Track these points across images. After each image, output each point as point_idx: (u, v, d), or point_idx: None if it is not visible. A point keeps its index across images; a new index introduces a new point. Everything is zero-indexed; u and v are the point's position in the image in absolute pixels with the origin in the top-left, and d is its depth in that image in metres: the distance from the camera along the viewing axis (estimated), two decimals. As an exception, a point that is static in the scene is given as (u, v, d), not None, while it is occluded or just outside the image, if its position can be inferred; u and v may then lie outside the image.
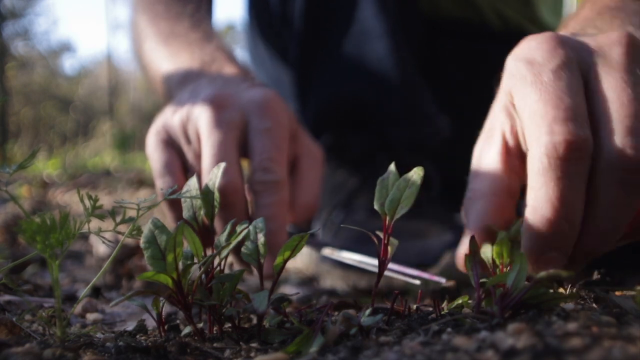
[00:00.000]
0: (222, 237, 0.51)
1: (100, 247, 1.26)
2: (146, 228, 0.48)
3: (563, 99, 0.49)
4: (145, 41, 0.94)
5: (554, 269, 0.44)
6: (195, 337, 0.50)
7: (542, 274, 0.42)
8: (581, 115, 0.49)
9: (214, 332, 0.51)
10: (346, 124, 1.01)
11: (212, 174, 0.55)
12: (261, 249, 0.52)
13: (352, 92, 0.99)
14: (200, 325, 0.52)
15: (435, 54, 1.12)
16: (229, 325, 0.51)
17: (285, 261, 0.50)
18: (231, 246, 0.49)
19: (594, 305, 0.49)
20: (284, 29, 1.06)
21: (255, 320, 0.55)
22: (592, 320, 0.40)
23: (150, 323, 0.57)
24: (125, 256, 1.03)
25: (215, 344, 0.48)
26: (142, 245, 0.47)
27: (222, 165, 0.55)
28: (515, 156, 0.57)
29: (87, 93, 12.75)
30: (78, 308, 0.70)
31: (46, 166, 5.22)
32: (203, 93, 0.71)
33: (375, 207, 0.51)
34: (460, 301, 0.53)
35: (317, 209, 0.76)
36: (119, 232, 0.51)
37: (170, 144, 0.71)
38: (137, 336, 0.53)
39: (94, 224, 0.51)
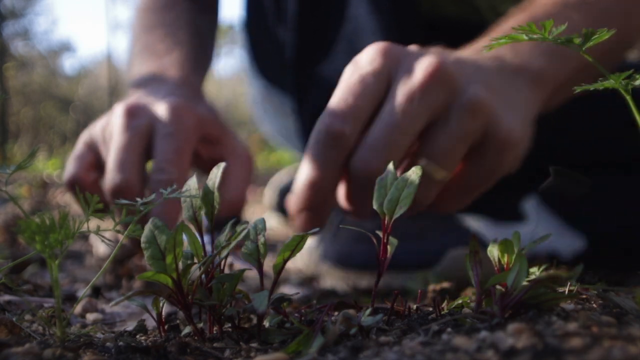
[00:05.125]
0: (221, 237, 0.51)
1: (100, 247, 1.26)
2: (146, 228, 0.48)
3: (351, 98, 0.61)
4: (131, 51, 1.01)
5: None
6: (195, 337, 0.50)
7: (542, 274, 0.42)
8: (357, 116, 0.61)
9: (214, 332, 0.51)
10: None
11: (212, 173, 0.54)
12: (261, 249, 0.52)
13: None
14: (201, 325, 0.52)
15: None
16: (229, 325, 0.51)
17: (285, 261, 0.50)
18: (231, 246, 0.49)
19: (594, 305, 0.49)
20: (279, 28, 1.07)
21: (255, 320, 0.55)
22: (592, 320, 0.40)
23: (150, 323, 0.57)
24: (125, 256, 1.03)
25: (215, 344, 0.48)
26: (142, 245, 0.47)
27: (222, 165, 0.55)
28: None
29: (87, 93, 12.74)
30: (78, 308, 0.70)
31: (46, 166, 5.22)
32: (122, 103, 0.80)
33: (374, 207, 0.51)
34: (460, 301, 0.53)
35: (242, 206, 0.84)
36: (119, 231, 0.51)
37: (90, 145, 0.80)
38: (137, 336, 0.53)
39: (94, 223, 0.51)
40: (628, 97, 0.46)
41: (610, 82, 0.46)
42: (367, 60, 0.64)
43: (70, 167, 0.79)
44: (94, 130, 0.80)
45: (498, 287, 0.46)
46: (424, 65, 0.62)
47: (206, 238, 0.67)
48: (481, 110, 0.63)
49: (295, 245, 0.50)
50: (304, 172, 0.64)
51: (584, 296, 0.51)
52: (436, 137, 0.63)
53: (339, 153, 0.62)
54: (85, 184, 0.77)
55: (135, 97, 0.84)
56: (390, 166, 0.52)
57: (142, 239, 0.48)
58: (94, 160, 0.80)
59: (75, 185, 0.77)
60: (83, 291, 0.52)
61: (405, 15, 1.01)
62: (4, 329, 0.52)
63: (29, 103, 10.64)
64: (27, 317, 0.60)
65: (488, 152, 0.66)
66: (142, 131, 0.76)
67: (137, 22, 1.03)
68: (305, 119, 1.03)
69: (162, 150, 0.74)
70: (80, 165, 0.78)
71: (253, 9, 1.16)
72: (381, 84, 0.63)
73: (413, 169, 0.51)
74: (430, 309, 0.53)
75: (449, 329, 0.43)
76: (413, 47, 0.67)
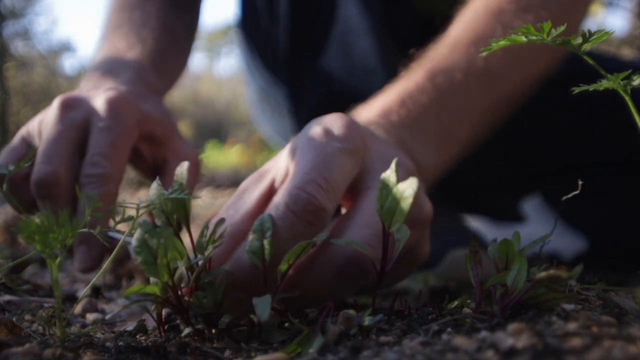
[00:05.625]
0: (202, 238, 0.50)
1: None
2: (137, 232, 0.47)
3: (332, 175, 0.54)
4: (96, 49, 0.96)
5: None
6: (195, 337, 0.50)
7: (542, 274, 0.42)
8: (337, 196, 0.55)
9: (213, 332, 0.51)
10: None
11: (177, 174, 0.53)
12: (266, 248, 0.51)
13: (342, 91, 0.99)
14: (200, 325, 0.52)
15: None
16: (228, 326, 0.51)
17: (290, 266, 0.50)
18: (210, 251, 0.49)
19: (594, 305, 0.49)
20: (273, 30, 1.07)
21: (255, 320, 0.55)
22: (592, 320, 0.40)
23: (150, 323, 0.57)
24: (125, 256, 1.03)
25: (215, 344, 0.48)
26: (134, 250, 0.47)
27: (186, 164, 0.54)
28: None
29: (87, 93, 12.67)
30: (78, 308, 0.70)
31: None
32: (60, 96, 0.76)
33: (376, 208, 0.50)
34: (460, 301, 0.53)
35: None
36: (119, 231, 0.51)
37: (25, 139, 0.76)
38: (137, 336, 0.53)
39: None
40: (627, 98, 0.46)
41: (608, 83, 0.46)
42: (340, 134, 0.58)
43: (1, 160, 0.74)
44: (32, 123, 0.77)
45: (498, 287, 0.47)
46: (402, 169, 0.58)
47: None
48: (427, 226, 0.62)
49: (301, 252, 0.49)
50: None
51: (584, 296, 0.51)
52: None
53: (314, 231, 0.53)
54: (16, 178, 0.72)
55: (77, 90, 0.81)
56: (393, 165, 0.52)
57: (134, 244, 0.47)
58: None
59: (4, 180, 0.71)
60: (83, 291, 0.52)
61: (396, 14, 1.01)
62: (4, 329, 0.52)
63: (29, 103, 10.62)
64: (27, 317, 0.60)
65: (404, 262, 0.61)
66: (76, 124, 0.72)
67: (106, 20, 1.00)
68: (301, 119, 1.03)
69: (96, 144, 0.70)
70: (12, 158, 0.74)
71: (247, 9, 1.16)
72: (357, 168, 0.58)
73: (410, 179, 0.50)
74: (430, 309, 0.53)
75: (449, 329, 0.43)
76: (368, 124, 0.65)
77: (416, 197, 0.59)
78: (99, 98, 0.74)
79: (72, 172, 0.70)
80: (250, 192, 0.59)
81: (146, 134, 0.77)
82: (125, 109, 0.74)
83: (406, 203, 0.49)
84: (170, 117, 0.81)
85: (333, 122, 0.60)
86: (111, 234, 0.66)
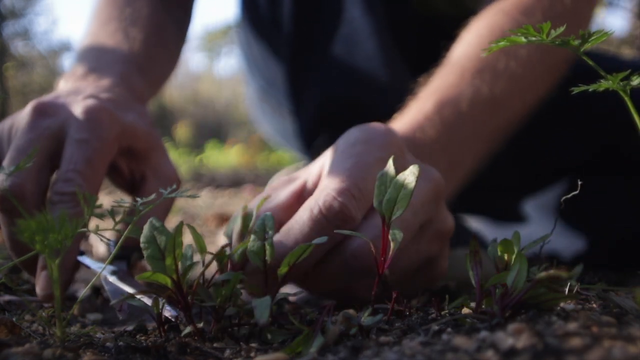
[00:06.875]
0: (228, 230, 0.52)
1: (100, 247, 1.26)
2: (145, 228, 0.48)
3: (367, 184, 0.57)
4: (81, 46, 0.91)
5: (555, 271, 0.44)
6: (195, 337, 0.50)
7: (542, 274, 0.42)
8: (367, 205, 0.57)
9: (214, 331, 0.51)
10: (340, 124, 1.01)
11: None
12: (268, 249, 0.51)
13: (344, 92, 0.99)
14: (201, 325, 0.52)
15: (432, 53, 1.12)
16: (229, 324, 0.51)
17: (291, 268, 0.50)
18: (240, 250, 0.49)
19: (594, 305, 0.49)
20: (275, 30, 1.06)
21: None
22: (592, 320, 0.40)
23: (150, 323, 0.57)
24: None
25: (215, 344, 0.48)
26: (141, 244, 0.48)
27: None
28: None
29: (87, 93, 12.67)
30: (78, 308, 0.70)
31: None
32: (35, 100, 0.70)
33: (375, 204, 0.50)
34: (460, 301, 0.53)
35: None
36: (119, 230, 0.51)
37: None
38: (137, 336, 0.53)
39: (93, 223, 0.51)
40: (627, 98, 0.46)
41: (608, 83, 0.46)
42: (381, 143, 0.60)
43: None
44: (1, 126, 0.69)
45: (498, 287, 0.47)
46: (430, 179, 0.60)
47: (111, 267, 0.63)
48: (448, 240, 0.63)
49: (301, 254, 0.49)
50: (293, 236, 0.56)
51: (584, 296, 0.51)
52: (408, 251, 0.60)
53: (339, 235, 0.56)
54: None
55: (54, 94, 0.73)
56: (390, 163, 0.52)
57: (142, 239, 0.48)
58: None
59: None
60: (83, 291, 0.52)
61: (398, 15, 1.01)
62: (4, 329, 0.52)
63: (28, 103, 10.62)
64: (27, 317, 0.60)
65: (423, 273, 0.63)
66: (50, 133, 0.65)
67: (94, 16, 0.94)
68: (303, 120, 1.03)
69: (72, 159, 0.64)
70: None
71: (248, 10, 1.15)
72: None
73: (411, 167, 0.51)
74: (430, 309, 0.53)
75: (449, 329, 0.43)
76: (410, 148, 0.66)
77: (440, 211, 0.61)
78: (77, 106, 0.68)
79: (41, 186, 0.64)
80: (281, 190, 0.61)
81: (126, 148, 0.71)
82: (105, 121, 0.67)
83: (409, 188, 0.49)
84: (153, 129, 0.75)
85: (374, 130, 0.62)
86: (80, 259, 0.65)
